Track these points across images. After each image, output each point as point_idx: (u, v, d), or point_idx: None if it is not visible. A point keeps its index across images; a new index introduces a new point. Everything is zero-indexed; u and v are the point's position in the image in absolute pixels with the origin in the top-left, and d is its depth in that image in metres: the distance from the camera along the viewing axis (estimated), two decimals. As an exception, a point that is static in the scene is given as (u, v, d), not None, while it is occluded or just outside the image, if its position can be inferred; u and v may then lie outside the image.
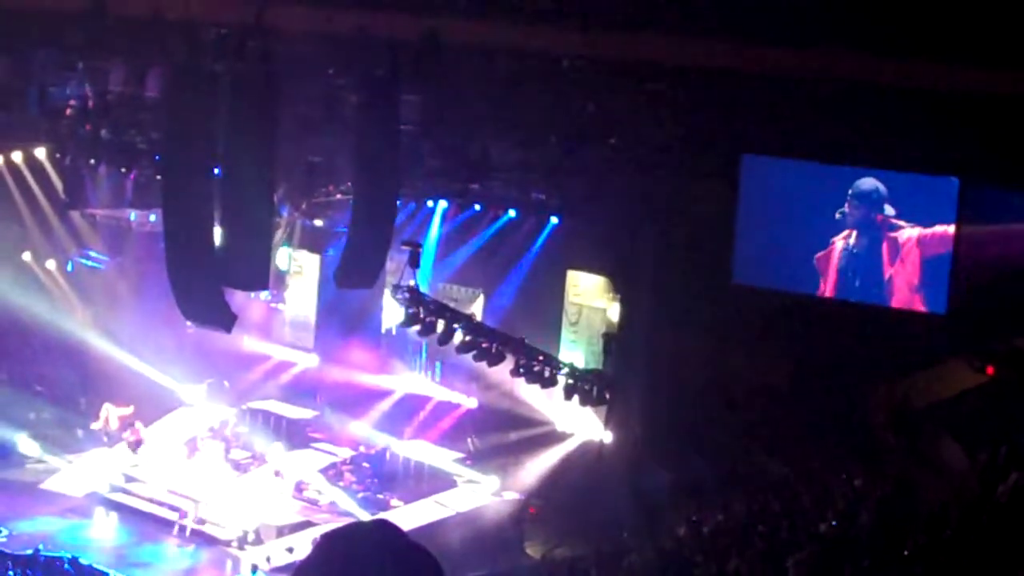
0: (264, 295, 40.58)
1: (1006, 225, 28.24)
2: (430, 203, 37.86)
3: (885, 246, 29.26)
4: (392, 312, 40.07)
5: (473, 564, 32.79)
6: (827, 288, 29.88)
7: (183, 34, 26.67)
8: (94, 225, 42.72)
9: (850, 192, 29.35)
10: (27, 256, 43.14)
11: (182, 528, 34.58)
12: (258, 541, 33.96)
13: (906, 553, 24.25)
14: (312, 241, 42.01)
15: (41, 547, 30.86)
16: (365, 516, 34.76)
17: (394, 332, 41.02)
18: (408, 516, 34.69)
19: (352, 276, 29.80)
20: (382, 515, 34.65)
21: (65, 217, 42.32)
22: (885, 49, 25.35)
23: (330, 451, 39.25)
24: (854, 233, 29.55)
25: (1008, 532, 22.81)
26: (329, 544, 4.34)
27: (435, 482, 36.87)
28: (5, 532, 33.07)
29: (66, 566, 29.46)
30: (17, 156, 39.86)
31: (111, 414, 39.41)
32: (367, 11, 28.20)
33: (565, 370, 33.30)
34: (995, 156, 26.40)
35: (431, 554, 4.38)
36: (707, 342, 33.46)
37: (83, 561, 30.19)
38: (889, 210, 29.00)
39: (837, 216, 29.54)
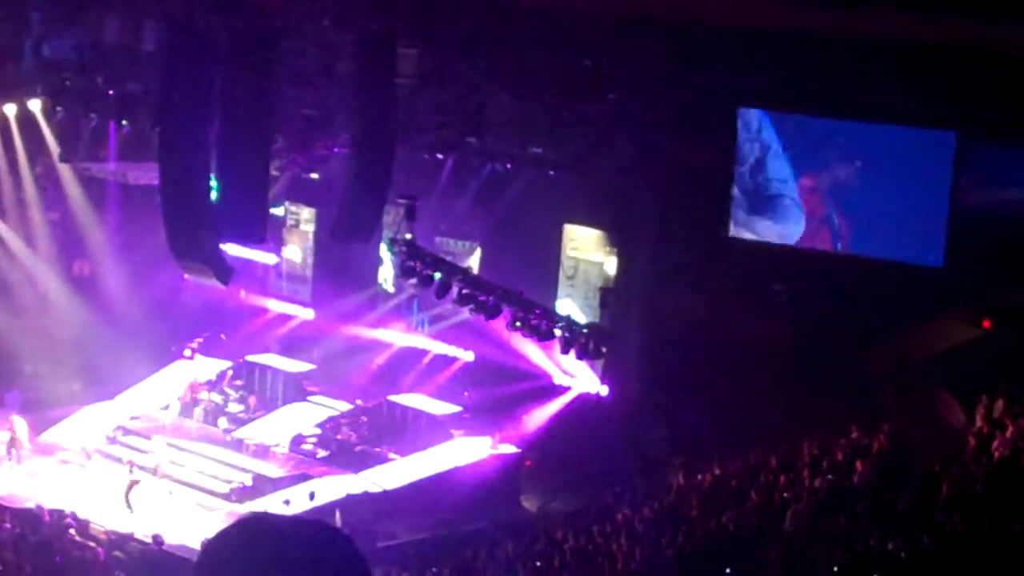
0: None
1: (1003, 179, 28.20)
2: (427, 157, 37.66)
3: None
4: (389, 265, 40.08)
5: (470, 517, 32.86)
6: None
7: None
8: (89, 178, 42.40)
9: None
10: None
11: (179, 480, 34.63)
12: (256, 494, 34.00)
13: (901, 507, 24.35)
14: (309, 195, 41.90)
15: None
16: (363, 470, 34.79)
17: (391, 285, 41.02)
18: (405, 469, 34.74)
19: (348, 230, 29.78)
20: (379, 468, 34.67)
21: (59, 170, 41.92)
22: (884, 3, 25.25)
23: (327, 404, 39.25)
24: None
25: (1003, 487, 22.89)
26: (241, 531, 3.45)
27: (432, 435, 36.83)
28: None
29: (67, 520, 29.36)
30: (11, 109, 39.41)
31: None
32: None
33: (562, 324, 33.30)
34: (993, 111, 26.35)
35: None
36: (704, 295, 33.49)
37: (81, 516, 30.11)
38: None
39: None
